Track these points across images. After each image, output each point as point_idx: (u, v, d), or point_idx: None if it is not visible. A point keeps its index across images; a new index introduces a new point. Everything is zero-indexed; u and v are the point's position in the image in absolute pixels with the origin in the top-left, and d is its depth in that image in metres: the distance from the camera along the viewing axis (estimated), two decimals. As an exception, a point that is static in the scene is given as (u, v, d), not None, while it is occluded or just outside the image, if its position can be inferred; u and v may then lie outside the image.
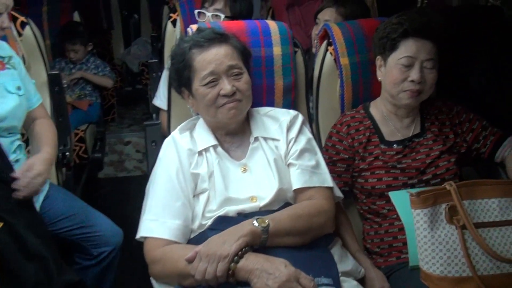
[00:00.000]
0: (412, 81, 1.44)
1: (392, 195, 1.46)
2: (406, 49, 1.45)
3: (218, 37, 1.37)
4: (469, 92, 1.97)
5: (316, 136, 1.68)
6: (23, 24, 2.11)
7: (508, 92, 1.99)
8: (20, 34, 2.10)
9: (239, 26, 1.60)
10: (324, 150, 1.58)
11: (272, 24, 1.62)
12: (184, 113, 1.62)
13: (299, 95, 1.66)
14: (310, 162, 1.39)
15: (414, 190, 1.33)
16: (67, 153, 2.23)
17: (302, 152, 1.39)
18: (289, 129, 1.43)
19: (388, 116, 1.56)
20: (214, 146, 1.39)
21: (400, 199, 1.45)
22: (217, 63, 1.33)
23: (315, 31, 2.03)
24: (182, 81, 1.40)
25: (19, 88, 1.65)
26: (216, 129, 1.43)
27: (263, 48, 1.57)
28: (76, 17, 3.42)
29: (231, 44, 1.38)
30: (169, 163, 1.36)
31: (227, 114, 1.35)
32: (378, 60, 1.54)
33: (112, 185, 3.68)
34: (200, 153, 1.38)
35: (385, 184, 1.48)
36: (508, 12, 1.84)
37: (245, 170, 1.38)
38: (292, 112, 1.47)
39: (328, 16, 1.99)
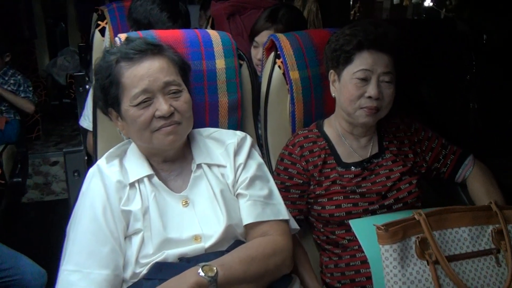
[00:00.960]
0: (369, 97, 1.31)
1: (353, 223, 1.31)
2: (362, 62, 1.32)
3: (151, 49, 1.16)
4: (421, 104, 1.90)
5: (266, 158, 1.51)
6: None
7: (458, 104, 1.94)
8: None
9: (176, 36, 1.40)
10: (275, 174, 1.41)
11: (213, 34, 1.44)
12: (114, 136, 1.39)
13: (246, 113, 1.48)
14: (262, 191, 1.21)
15: (377, 219, 1.20)
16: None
17: (252, 180, 1.21)
18: (236, 153, 1.24)
19: (344, 135, 1.42)
20: (149, 176, 1.18)
21: (362, 227, 1.30)
22: (150, 79, 1.13)
23: (256, 55, 1.84)
24: (108, 100, 1.18)
25: None
26: (151, 156, 1.21)
27: (204, 61, 1.38)
28: (-8, 24, 3.05)
29: (167, 57, 1.18)
30: (94, 199, 1.13)
31: (164, 139, 1.14)
32: (331, 75, 1.41)
33: (37, 211, 3.32)
34: (132, 185, 1.16)
35: (345, 211, 1.34)
36: (460, 25, 1.78)
37: (186, 204, 1.17)
38: (239, 134, 1.29)
39: (266, 38, 1.83)
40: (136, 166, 1.19)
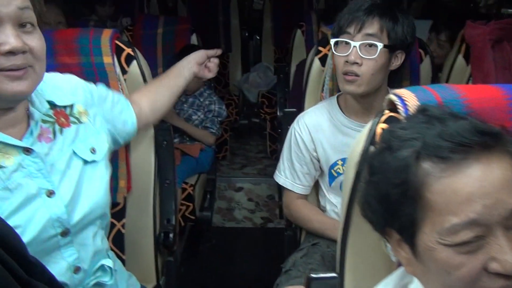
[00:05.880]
0: None
1: None
2: None
3: (484, 142, 0.64)
4: None
5: None
6: (129, 58, 1.57)
7: None
8: (124, 71, 1.57)
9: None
10: None
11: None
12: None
13: None
14: None
15: None
16: (170, 234, 1.66)
17: None
18: None
19: None
20: None
21: None
22: (486, 202, 0.61)
23: None
24: (391, 220, 0.70)
25: (93, 151, 1.09)
26: None
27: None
28: (194, 40, 2.89)
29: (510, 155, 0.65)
30: None
31: None
32: None
33: (218, 236, 3.13)
34: None
35: None
36: None
37: None
38: None
39: None
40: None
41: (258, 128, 3.64)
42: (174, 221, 1.70)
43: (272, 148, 3.43)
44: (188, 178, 2.37)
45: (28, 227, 0.91)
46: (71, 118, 1.09)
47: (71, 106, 1.11)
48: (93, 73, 1.51)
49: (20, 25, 0.89)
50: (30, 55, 0.90)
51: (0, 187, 0.89)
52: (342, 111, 1.54)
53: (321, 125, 1.56)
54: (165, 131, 1.68)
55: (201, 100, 2.62)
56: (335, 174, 1.56)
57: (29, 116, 1.00)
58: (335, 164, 1.55)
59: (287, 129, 1.93)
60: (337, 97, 1.58)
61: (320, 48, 1.77)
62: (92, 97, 1.18)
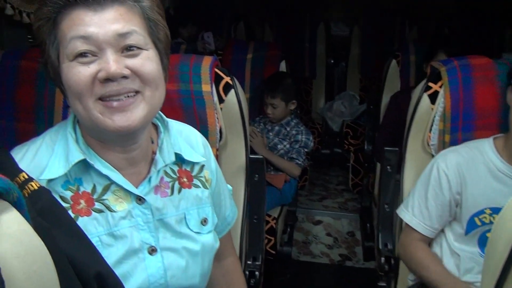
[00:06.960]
0: None
1: None
2: None
3: None
4: None
5: None
6: (227, 87, 1.52)
7: None
8: (221, 100, 1.52)
9: None
10: None
11: None
12: None
13: None
14: None
15: None
16: (256, 273, 1.57)
17: None
18: None
19: None
20: None
21: None
22: None
23: None
24: None
25: (204, 222, 1.00)
26: None
27: None
28: (283, 67, 2.81)
29: None
30: None
31: None
32: None
33: (292, 270, 2.99)
34: None
35: None
36: None
37: None
38: None
39: None
40: None
41: (340, 159, 3.48)
42: (260, 260, 1.60)
43: (355, 182, 3.26)
44: (270, 210, 2.27)
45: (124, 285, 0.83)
46: (195, 181, 1.00)
47: (201, 168, 1.02)
48: (191, 100, 1.47)
49: (125, 49, 0.81)
50: (137, 79, 0.81)
51: (105, 232, 0.84)
52: (499, 155, 1.39)
53: (474, 167, 1.40)
54: (258, 164, 1.60)
55: (288, 129, 2.52)
56: (479, 223, 1.38)
57: (152, 160, 0.94)
58: (481, 212, 1.38)
59: (385, 167, 1.79)
60: (494, 139, 1.43)
61: (430, 84, 1.61)
62: (215, 175, 1.09)
